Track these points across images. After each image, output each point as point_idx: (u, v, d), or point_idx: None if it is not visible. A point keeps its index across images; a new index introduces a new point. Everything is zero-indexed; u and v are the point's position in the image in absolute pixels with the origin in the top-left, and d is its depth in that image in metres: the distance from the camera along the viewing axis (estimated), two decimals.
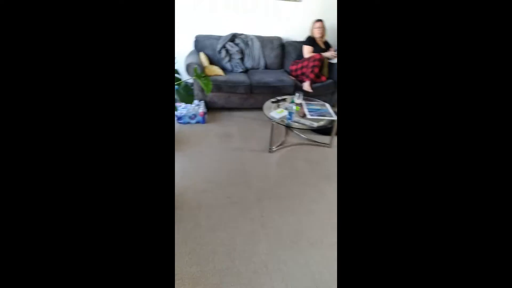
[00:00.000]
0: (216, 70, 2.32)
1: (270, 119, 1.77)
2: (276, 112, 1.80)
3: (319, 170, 1.74)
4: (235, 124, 2.22)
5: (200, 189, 1.49)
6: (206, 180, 1.56)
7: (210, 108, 2.33)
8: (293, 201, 1.47)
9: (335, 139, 1.98)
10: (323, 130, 1.88)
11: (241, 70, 2.49)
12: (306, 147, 1.99)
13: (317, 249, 1.20)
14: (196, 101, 2.25)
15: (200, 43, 2.46)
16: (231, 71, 2.47)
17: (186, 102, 1.48)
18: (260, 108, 2.45)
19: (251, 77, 2.37)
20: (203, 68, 2.23)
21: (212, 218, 1.31)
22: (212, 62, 2.46)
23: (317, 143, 2.04)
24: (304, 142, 2.05)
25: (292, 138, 2.09)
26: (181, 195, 1.44)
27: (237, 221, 1.31)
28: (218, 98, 2.29)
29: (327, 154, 1.92)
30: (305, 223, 1.33)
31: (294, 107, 1.70)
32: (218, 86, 2.20)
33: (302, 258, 1.15)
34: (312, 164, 1.79)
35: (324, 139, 2.06)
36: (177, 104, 2.18)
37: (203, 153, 1.80)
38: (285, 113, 1.77)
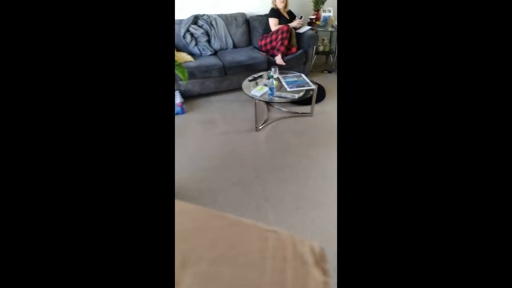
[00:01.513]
0: (185, 57, 2.27)
1: (253, 98, 1.83)
2: (256, 90, 1.85)
3: (306, 139, 1.86)
4: (215, 109, 2.24)
5: (198, 178, 1.54)
6: (202, 169, 1.61)
7: (186, 97, 2.31)
8: (289, 172, 1.59)
9: (315, 107, 2.11)
10: (303, 101, 1.99)
11: (210, 53, 2.46)
12: (290, 120, 2.10)
13: (319, 209, 1.34)
14: None
15: None
16: (200, 56, 2.43)
17: None
18: (236, 89, 2.48)
19: (222, 58, 2.36)
20: None
21: (217, 201, 1.39)
22: (178, 48, 2.40)
23: (298, 114, 2.15)
24: (286, 115, 2.15)
25: (275, 113, 2.18)
26: (182, 187, 1.49)
27: (241, 200, 1.40)
28: (192, 85, 2.27)
29: (310, 123, 2.04)
30: (304, 188, 1.47)
31: (274, 82, 1.77)
32: (191, 73, 2.18)
33: (308, 219, 1.29)
34: (299, 135, 1.91)
35: (305, 109, 2.18)
36: None
37: (191, 144, 1.83)
38: (266, 89, 1.83)
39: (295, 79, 2.03)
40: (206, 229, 0.22)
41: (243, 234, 0.22)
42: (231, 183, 1.51)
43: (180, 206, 0.22)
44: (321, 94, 2.38)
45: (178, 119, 2.09)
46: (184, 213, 0.21)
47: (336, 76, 2.95)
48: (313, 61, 2.80)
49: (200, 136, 1.90)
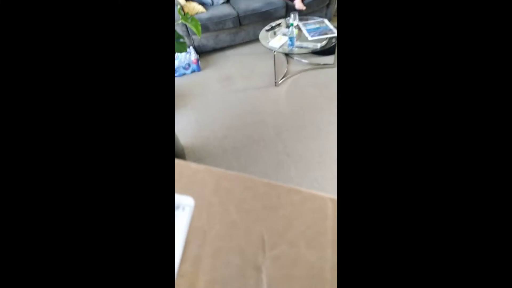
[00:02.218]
0: (196, 7, 2.13)
1: (271, 50, 1.73)
2: (275, 40, 1.74)
3: (328, 93, 1.80)
4: (232, 64, 2.17)
5: (220, 136, 1.59)
6: (223, 127, 1.65)
7: (201, 53, 2.23)
8: (310, 128, 1.58)
9: None
10: (325, 51, 1.86)
11: (222, 1, 2.28)
12: (311, 72, 2.00)
13: None
14: None
15: None
16: (212, 5, 2.26)
17: (180, 51, 1.43)
18: (253, 41, 2.34)
19: (236, 6, 2.19)
20: (181, 7, 2.04)
21: (241, 158, 1.45)
22: None
23: (320, 65, 2.03)
24: (307, 68, 2.04)
25: (295, 66, 2.08)
26: (206, 145, 1.56)
27: (264, 156, 1.45)
28: (206, 39, 2.18)
29: (333, 75, 1.94)
30: (326, 144, 1.48)
31: (294, 31, 1.65)
32: (204, 26, 2.07)
33: (329, 173, 1.33)
34: (321, 88, 1.84)
35: (327, 59, 2.05)
36: None
37: (210, 102, 1.83)
38: (285, 39, 1.72)
39: (317, 25, 1.87)
40: (278, 207, 0.21)
41: (319, 211, 0.22)
42: (253, 140, 1.55)
43: (245, 181, 0.20)
44: None
45: (195, 77, 2.07)
46: (249, 189, 0.20)
47: None
48: (336, 3, 2.51)
49: (219, 94, 1.89)
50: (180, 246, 0.16)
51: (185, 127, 1.68)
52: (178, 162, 0.18)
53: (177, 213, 0.16)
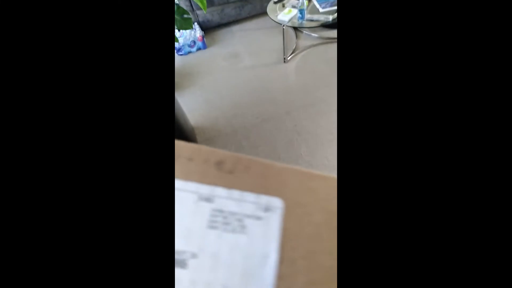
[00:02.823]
0: None
1: (280, 24, 1.66)
2: (284, 13, 1.67)
3: None
4: (238, 40, 2.10)
5: (229, 115, 1.59)
6: (232, 106, 1.64)
7: (206, 29, 2.17)
8: (321, 105, 1.55)
9: None
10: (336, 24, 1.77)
11: None
12: (321, 47, 1.92)
13: None
14: None
15: None
16: None
17: (185, 28, 1.39)
18: (260, 15, 2.24)
19: None
20: None
21: (250, 137, 1.46)
22: None
23: (331, 39, 1.95)
24: (317, 42, 1.96)
25: (304, 41, 2.00)
26: (214, 125, 1.56)
27: (274, 135, 1.45)
28: (211, 14, 2.10)
29: None
30: (336, 122, 1.46)
31: (305, 2, 1.56)
32: (208, 0, 1.99)
33: None
34: (331, 64, 1.78)
35: None
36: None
37: (218, 81, 1.81)
38: (294, 12, 1.64)
39: None
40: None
41: None
42: (262, 119, 1.54)
43: (330, 181, 0.19)
44: None
45: (201, 55, 2.03)
46: (334, 188, 0.19)
47: None
48: None
49: (226, 72, 1.86)
50: (275, 248, 0.16)
51: (194, 107, 1.67)
52: (262, 162, 0.17)
53: (268, 215, 0.16)
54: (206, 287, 0.14)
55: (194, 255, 0.15)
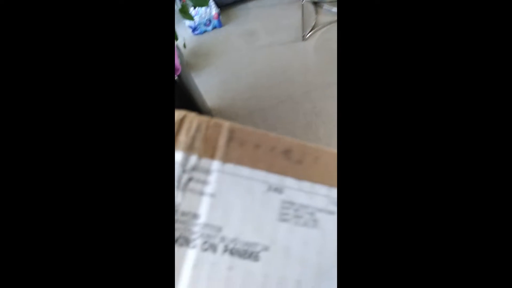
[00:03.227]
0: None
1: None
2: None
3: None
4: (254, 17, 2.02)
5: (245, 97, 1.56)
6: (248, 87, 1.60)
7: (221, 6, 2.08)
8: None
9: None
10: None
11: None
12: None
13: None
14: None
15: None
16: None
17: (201, 5, 1.34)
18: None
19: None
20: None
21: (268, 119, 1.44)
22: None
23: None
24: None
25: (324, 17, 1.89)
26: (230, 106, 1.54)
27: (291, 117, 1.42)
28: None
29: None
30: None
31: None
32: None
33: None
34: None
35: None
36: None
37: (233, 61, 1.76)
38: None
39: None
40: None
41: None
42: (279, 101, 1.50)
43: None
44: None
45: (217, 34, 1.97)
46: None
47: None
48: None
49: (242, 51, 1.80)
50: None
51: (210, 88, 1.65)
52: (332, 153, 0.16)
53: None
54: (280, 281, 0.14)
55: (266, 248, 0.14)
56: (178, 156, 0.14)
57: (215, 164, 0.14)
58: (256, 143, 0.15)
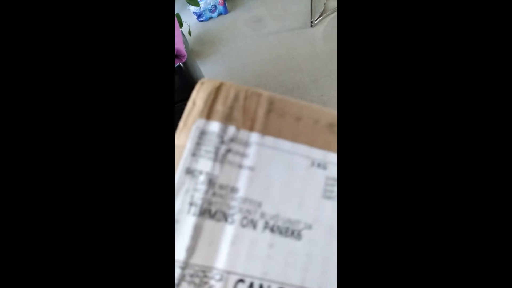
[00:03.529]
0: None
1: None
2: None
3: None
4: (261, 3, 1.96)
5: (252, 85, 1.53)
6: (255, 75, 1.58)
7: None
8: None
9: None
10: None
11: None
12: None
13: None
14: None
15: None
16: None
17: None
18: None
19: None
20: None
21: None
22: None
23: None
24: None
25: (333, 2, 1.83)
26: None
27: None
28: None
29: None
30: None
31: None
32: None
33: None
34: None
35: None
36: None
37: (240, 48, 1.73)
38: None
39: None
40: None
41: None
42: (287, 89, 1.48)
43: None
44: None
45: (223, 21, 1.93)
46: None
47: None
48: None
49: (249, 38, 1.77)
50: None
51: (216, 76, 1.63)
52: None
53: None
54: (324, 262, 0.13)
55: (309, 226, 0.13)
56: (215, 126, 0.13)
57: (254, 136, 0.13)
58: (298, 115, 0.14)
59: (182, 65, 1.11)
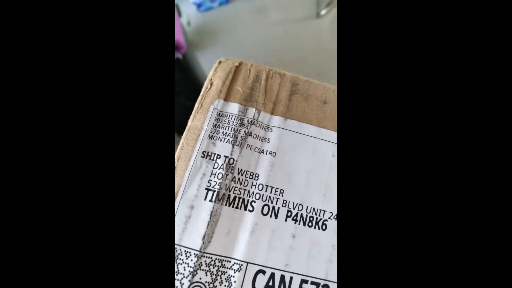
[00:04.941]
0: None
1: None
2: None
3: None
4: None
5: None
6: None
7: None
8: None
9: None
10: None
11: None
12: None
13: None
14: None
15: None
16: None
17: None
18: None
19: None
20: None
21: None
22: None
23: None
24: None
25: None
26: None
27: None
28: None
29: None
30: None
31: None
32: None
33: None
34: None
35: None
36: None
37: (242, 39, 1.72)
38: None
39: None
40: None
41: None
42: None
43: None
44: None
45: (223, 11, 1.91)
46: None
47: None
48: None
49: (252, 29, 1.75)
50: None
51: None
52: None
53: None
54: None
55: (335, 216, 0.13)
56: (234, 107, 0.13)
57: (276, 120, 0.13)
58: (323, 99, 0.14)
59: (181, 56, 1.11)
